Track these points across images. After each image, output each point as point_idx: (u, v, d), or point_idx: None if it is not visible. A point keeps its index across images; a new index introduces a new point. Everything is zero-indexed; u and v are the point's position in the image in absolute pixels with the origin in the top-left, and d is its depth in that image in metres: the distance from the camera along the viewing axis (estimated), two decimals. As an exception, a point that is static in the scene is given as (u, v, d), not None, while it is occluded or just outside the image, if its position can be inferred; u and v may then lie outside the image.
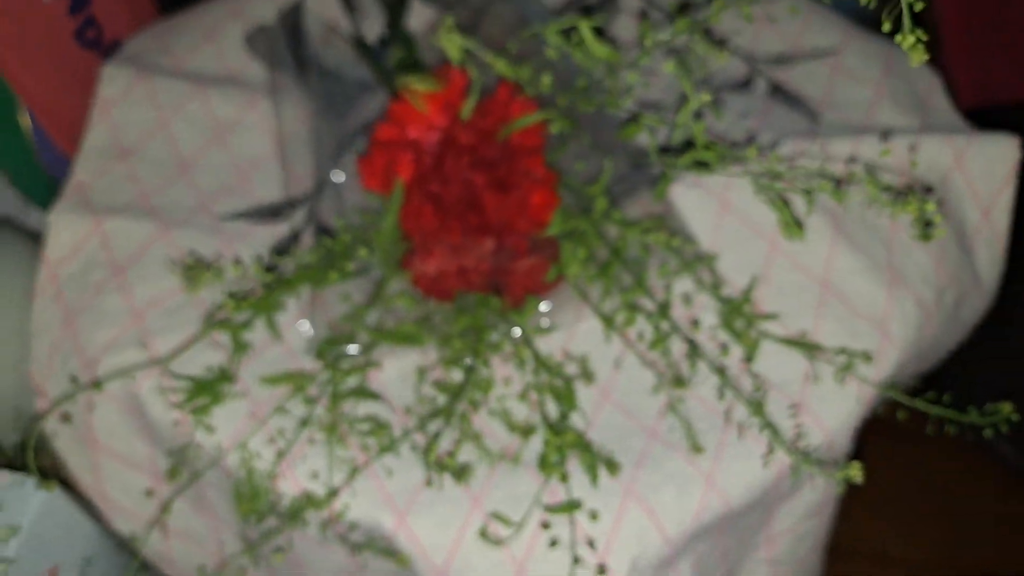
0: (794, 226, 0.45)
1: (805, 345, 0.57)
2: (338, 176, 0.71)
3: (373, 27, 0.87)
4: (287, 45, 0.81)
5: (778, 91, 0.76)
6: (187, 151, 0.75)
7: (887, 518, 0.86)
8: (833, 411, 0.57)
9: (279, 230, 0.70)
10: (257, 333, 0.62)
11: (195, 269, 0.49)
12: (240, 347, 0.58)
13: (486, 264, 0.61)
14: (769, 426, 0.48)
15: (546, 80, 0.55)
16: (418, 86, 0.57)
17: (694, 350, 0.49)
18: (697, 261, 0.57)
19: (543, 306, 0.61)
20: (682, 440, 0.55)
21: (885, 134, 0.67)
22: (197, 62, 0.82)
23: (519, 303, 0.62)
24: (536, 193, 0.59)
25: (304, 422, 0.53)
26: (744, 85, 0.77)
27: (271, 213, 0.73)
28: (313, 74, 0.79)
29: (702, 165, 0.48)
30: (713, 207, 0.65)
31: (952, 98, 0.79)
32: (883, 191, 0.40)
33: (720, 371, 0.49)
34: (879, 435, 0.58)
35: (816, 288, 0.62)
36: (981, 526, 0.85)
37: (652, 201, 0.57)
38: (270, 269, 0.65)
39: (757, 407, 0.46)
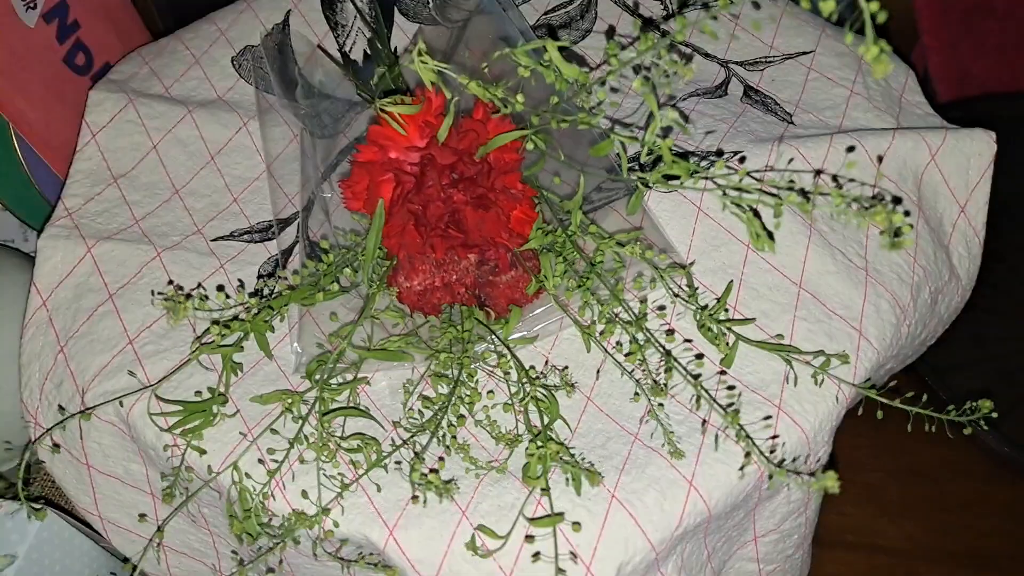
0: (764, 237, 0.45)
1: (782, 348, 0.57)
2: (327, 194, 0.71)
3: (358, 45, 0.87)
4: (273, 65, 0.81)
5: (752, 94, 0.76)
6: (177, 174, 0.75)
7: (873, 506, 0.86)
8: (811, 412, 0.57)
9: (271, 250, 0.70)
10: (248, 354, 0.62)
11: (175, 299, 0.49)
12: (231, 368, 0.58)
13: (469, 278, 0.62)
14: (746, 437, 0.48)
15: (519, 99, 0.55)
16: (396, 109, 0.57)
17: (669, 360, 0.50)
18: (671, 270, 0.57)
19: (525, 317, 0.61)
20: (663, 445, 0.55)
21: (857, 136, 0.67)
22: (185, 85, 0.82)
23: (502, 315, 0.62)
24: (515, 209, 0.59)
25: (294, 441, 0.54)
26: (718, 89, 0.77)
27: (261, 233, 0.73)
28: (299, 93, 0.79)
29: (672, 179, 0.48)
30: (689, 212, 0.65)
31: (929, 92, 0.79)
32: (850, 203, 0.40)
33: (695, 382, 0.49)
34: (862, 424, 0.58)
35: (792, 289, 0.62)
36: (966, 512, 0.86)
37: (628, 213, 0.57)
38: (258, 292, 0.66)
39: (734, 416, 0.46)
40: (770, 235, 0.50)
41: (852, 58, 0.77)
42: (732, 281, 0.61)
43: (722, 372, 0.58)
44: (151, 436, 0.58)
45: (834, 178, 0.61)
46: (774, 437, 0.55)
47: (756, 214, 0.48)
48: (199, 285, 0.67)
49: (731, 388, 0.56)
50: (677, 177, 0.48)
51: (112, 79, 0.81)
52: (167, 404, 0.57)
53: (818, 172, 0.62)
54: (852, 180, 0.61)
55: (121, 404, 0.58)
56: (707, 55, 0.79)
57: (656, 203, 0.66)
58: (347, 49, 0.88)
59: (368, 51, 0.86)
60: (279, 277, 0.65)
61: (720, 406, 0.52)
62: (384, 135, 0.59)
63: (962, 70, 1.15)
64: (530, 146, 0.57)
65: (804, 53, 0.78)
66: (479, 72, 0.54)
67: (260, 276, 0.67)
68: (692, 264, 0.62)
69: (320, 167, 0.73)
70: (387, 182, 0.59)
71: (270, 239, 0.72)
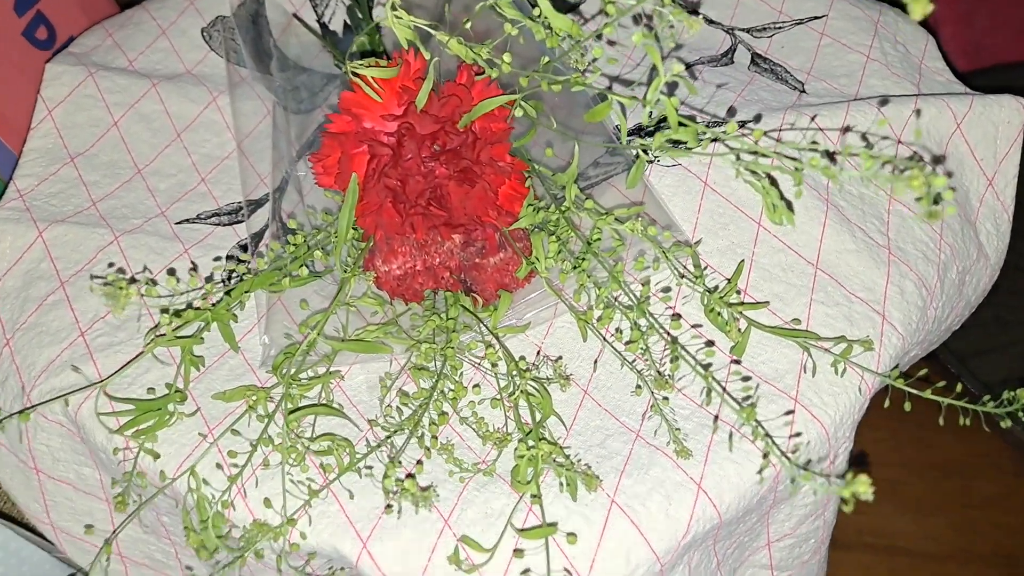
0: (783, 209, 0.39)
1: (798, 334, 0.50)
2: (301, 172, 0.65)
3: (338, 15, 0.80)
4: (246, 36, 0.75)
5: (760, 61, 0.69)
6: (140, 152, 0.69)
7: (893, 504, 0.80)
8: (832, 405, 0.51)
9: (242, 233, 0.64)
10: (211, 347, 0.56)
11: (115, 284, 0.42)
12: (191, 362, 0.52)
13: (454, 261, 0.55)
14: (763, 434, 0.42)
15: (506, 59, 0.49)
16: (370, 72, 0.50)
17: (675, 349, 0.43)
18: (676, 249, 0.50)
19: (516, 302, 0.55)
20: (669, 443, 0.49)
21: (883, 101, 0.61)
22: (150, 58, 0.75)
23: (491, 301, 0.56)
24: (503, 183, 0.53)
25: (257, 442, 0.48)
26: (723, 57, 0.70)
27: (230, 215, 0.66)
28: (273, 66, 0.72)
29: (678, 145, 0.42)
30: (694, 187, 0.59)
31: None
32: (883, 166, 0.34)
33: (706, 373, 0.42)
34: (880, 415, 0.52)
35: (808, 270, 0.55)
36: (994, 509, 0.79)
37: (627, 187, 0.51)
38: (221, 277, 0.59)
39: (749, 412, 0.40)
40: (789, 206, 0.44)
41: (867, 22, 0.71)
42: (743, 261, 0.55)
43: (734, 362, 0.51)
44: (101, 438, 0.52)
45: (863, 137, 0.55)
46: (797, 435, 0.49)
47: (773, 183, 0.42)
48: (160, 271, 0.61)
49: (746, 379, 0.50)
50: (683, 143, 0.41)
51: (72, 52, 0.75)
52: (118, 403, 0.51)
53: (846, 129, 0.55)
54: (885, 138, 0.55)
55: (67, 403, 0.52)
56: (711, 21, 0.72)
57: (658, 179, 0.60)
58: (326, 19, 0.81)
59: (348, 21, 0.80)
60: (239, 260, 0.59)
61: (734, 400, 0.46)
62: (357, 102, 0.52)
63: (975, 43, 1.08)
64: (519, 113, 0.51)
65: (816, 18, 0.72)
66: (462, 30, 0.48)
67: (218, 259, 0.60)
68: (699, 243, 0.56)
69: (295, 144, 0.67)
70: (361, 155, 0.53)
71: (240, 222, 0.65)
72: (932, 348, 0.65)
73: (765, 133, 0.56)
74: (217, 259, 0.61)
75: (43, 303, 0.58)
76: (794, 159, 0.38)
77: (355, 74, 0.51)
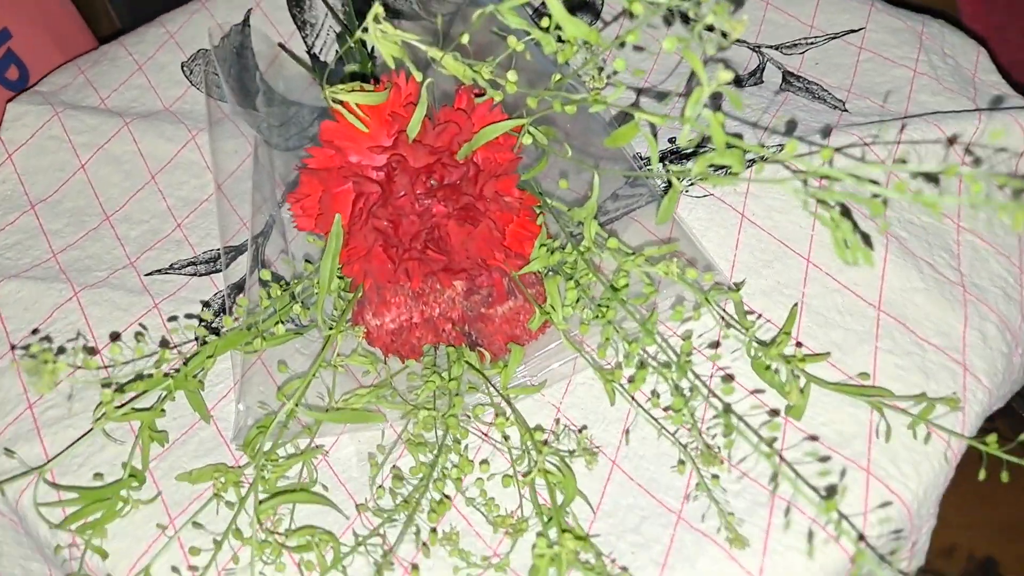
0: (859, 246, 0.31)
1: (870, 391, 0.42)
2: (287, 215, 0.57)
3: (328, 46, 0.74)
4: (229, 70, 0.68)
5: (793, 80, 0.62)
6: (109, 197, 0.62)
7: (962, 570, 0.69)
8: (912, 476, 0.42)
9: (220, 284, 0.56)
10: (178, 416, 0.48)
11: (40, 359, 0.35)
12: (149, 438, 0.44)
13: (456, 311, 0.48)
14: (835, 516, 0.33)
15: (511, 78, 0.41)
16: (354, 98, 0.43)
17: (729, 421, 0.35)
18: (717, 292, 0.42)
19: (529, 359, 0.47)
20: (719, 530, 0.40)
21: (934, 120, 0.53)
22: (125, 96, 0.69)
23: (500, 356, 0.48)
24: (511, 221, 0.45)
25: (223, 536, 0.39)
26: (751, 77, 0.63)
27: (208, 264, 0.59)
28: (259, 101, 0.65)
29: (720, 171, 0.34)
30: (729, 221, 0.51)
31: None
32: (1001, 188, 0.26)
33: (770, 451, 0.34)
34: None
35: (870, 313, 0.47)
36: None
37: (656, 223, 0.43)
38: (207, 331, 0.52)
39: (830, 506, 0.31)
40: (866, 240, 0.36)
41: (911, 34, 0.63)
42: (795, 305, 0.47)
43: (790, 423, 0.43)
44: (45, 532, 0.43)
45: (967, 151, 0.47)
46: (880, 510, 0.41)
47: (845, 214, 0.34)
48: (127, 329, 0.53)
49: (825, 460, 0.42)
50: (728, 170, 0.34)
51: (39, 91, 0.68)
52: (63, 490, 0.43)
53: (951, 140, 0.47)
54: (1003, 150, 0.46)
55: (2, 492, 0.44)
56: (736, 40, 0.65)
57: (687, 211, 0.52)
58: (316, 50, 0.74)
59: (339, 50, 0.73)
60: (202, 321, 0.51)
61: (811, 487, 0.37)
62: (341, 133, 0.45)
63: (1009, 57, 1.01)
64: (527, 140, 0.44)
65: (852, 31, 0.65)
66: (458, 45, 0.41)
67: (190, 317, 0.53)
68: (741, 285, 0.48)
69: (280, 185, 0.60)
70: (345, 193, 0.45)
71: (219, 271, 0.58)
72: (1007, 399, 0.56)
73: (838, 150, 0.48)
74: (189, 316, 0.54)
75: (-12, 370, 0.50)
76: (874, 183, 0.30)
77: (337, 101, 0.44)
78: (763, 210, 0.51)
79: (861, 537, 0.37)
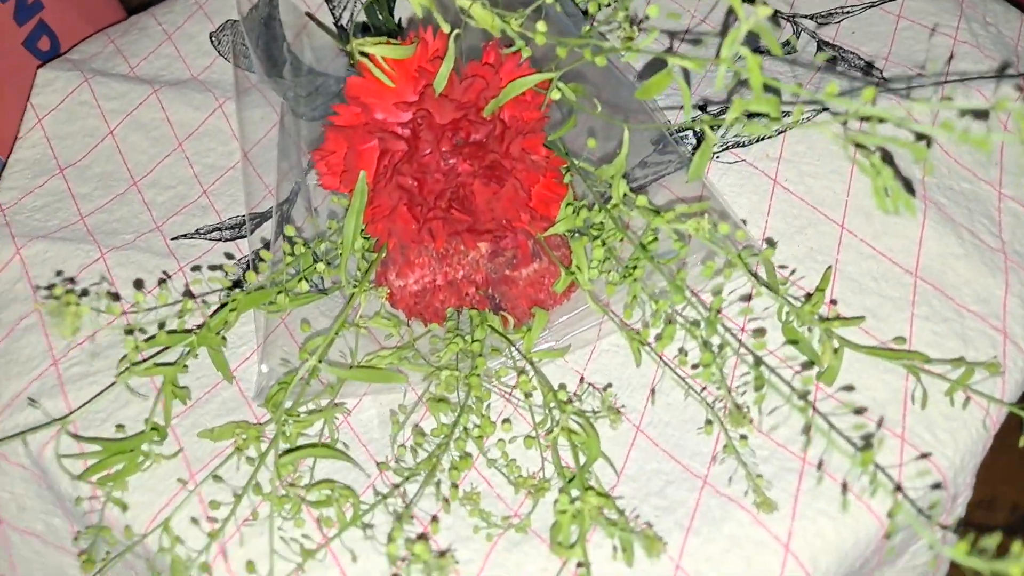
0: (900, 195, 0.30)
1: (906, 355, 0.40)
2: (312, 183, 0.57)
3: (356, 17, 0.73)
4: (257, 40, 0.68)
5: (829, 51, 0.60)
6: (137, 163, 0.62)
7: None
8: (950, 443, 0.40)
9: (245, 249, 0.56)
10: (201, 375, 0.48)
11: (63, 300, 0.34)
12: (172, 395, 0.44)
13: (480, 274, 0.47)
14: (888, 486, 0.31)
15: (540, 28, 0.40)
16: (380, 51, 0.42)
17: (759, 373, 0.34)
18: (748, 254, 0.41)
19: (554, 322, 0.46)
20: (747, 493, 0.39)
21: (977, 86, 0.51)
22: (154, 64, 0.69)
23: (524, 320, 0.47)
24: (537, 182, 0.45)
25: (243, 491, 0.39)
26: (785, 46, 0.61)
27: (233, 230, 0.59)
28: (287, 71, 0.65)
29: (756, 119, 0.33)
30: (761, 186, 0.50)
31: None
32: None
33: (803, 405, 0.33)
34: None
35: (906, 280, 0.46)
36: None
37: (687, 181, 0.42)
38: (231, 285, 0.51)
39: (867, 457, 0.30)
40: (909, 188, 0.35)
41: (951, 1, 0.61)
42: (830, 267, 0.46)
43: (822, 390, 0.42)
44: (66, 485, 0.43)
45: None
46: (920, 477, 0.39)
47: (887, 159, 0.33)
48: (152, 291, 0.53)
49: (859, 411, 0.40)
50: (766, 117, 0.32)
51: (69, 58, 0.69)
52: (85, 443, 0.43)
53: (1003, 69, 0.45)
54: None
55: (25, 443, 0.44)
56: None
57: (718, 177, 0.51)
58: (343, 21, 0.74)
59: (367, 21, 0.73)
60: (226, 273, 0.51)
61: (846, 439, 0.36)
62: (366, 89, 0.44)
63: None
64: (555, 96, 0.43)
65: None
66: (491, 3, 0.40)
67: (195, 269, 0.52)
68: (773, 247, 0.47)
69: (307, 152, 0.59)
70: (371, 150, 0.44)
71: (243, 236, 0.58)
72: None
73: (884, 81, 0.46)
74: (213, 267, 0.54)
75: (14, 328, 0.50)
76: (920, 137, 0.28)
77: (364, 55, 0.43)
78: (796, 175, 0.50)
79: (898, 488, 0.36)
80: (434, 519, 0.39)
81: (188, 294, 0.52)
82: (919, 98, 0.48)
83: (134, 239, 0.57)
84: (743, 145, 0.52)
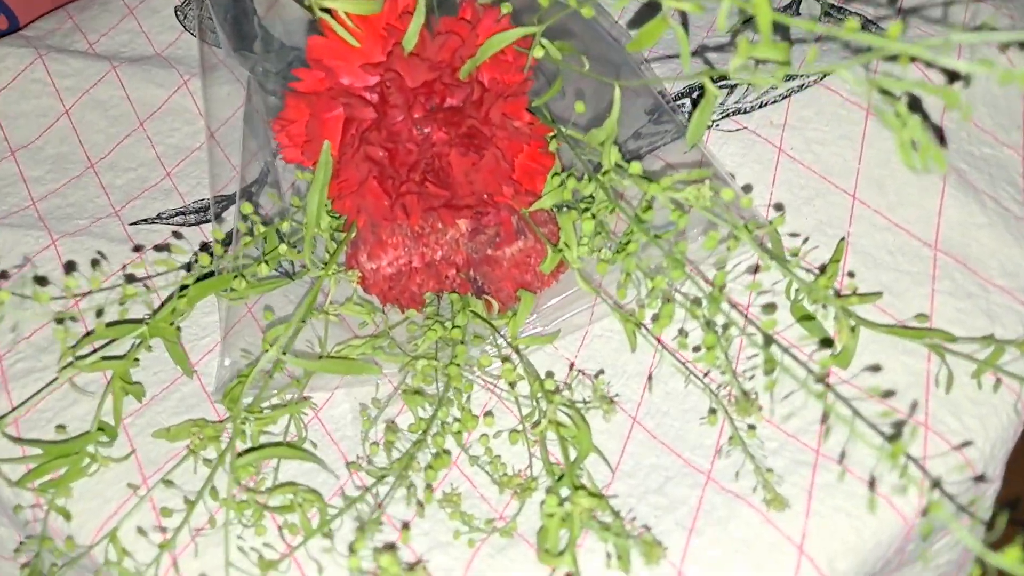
0: (930, 146, 0.26)
1: (928, 334, 0.37)
2: (282, 164, 0.53)
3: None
4: (226, 12, 0.63)
5: (834, 12, 0.56)
6: (95, 144, 0.58)
7: None
8: (978, 430, 0.36)
9: (209, 235, 0.52)
10: (158, 369, 0.44)
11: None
12: (121, 392, 0.40)
13: (460, 254, 0.43)
14: (924, 481, 0.27)
15: (518, -22, 0.36)
16: (343, 5, 0.38)
17: (770, 354, 0.29)
18: (753, 226, 0.37)
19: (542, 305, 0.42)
20: (755, 489, 0.35)
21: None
22: (115, 40, 0.64)
23: (509, 304, 0.43)
24: (520, 151, 0.40)
25: (197, 496, 0.35)
26: (786, 10, 0.57)
27: (198, 214, 0.55)
28: (257, 46, 0.61)
29: (761, 65, 0.29)
30: (765, 155, 0.46)
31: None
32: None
33: (821, 391, 0.28)
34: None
35: (925, 253, 0.42)
36: None
37: (684, 153, 0.38)
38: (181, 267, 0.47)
39: (897, 449, 0.26)
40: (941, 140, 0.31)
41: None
42: (843, 239, 0.42)
43: (836, 374, 0.38)
44: (7, 491, 0.39)
45: None
46: (927, 468, 0.35)
47: (915, 107, 0.28)
48: (107, 281, 0.49)
49: (887, 394, 0.36)
50: (774, 65, 0.28)
51: (24, 34, 0.64)
52: (27, 446, 0.39)
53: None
54: None
55: (-42, 446, 0.40)
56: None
57: (718, 147, 0.47)
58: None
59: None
60: (171, 252, 0.47)
61: (872, 426, 0.32)
62: (330, 50, 0.40)
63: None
64: (538, 54, 0.38)
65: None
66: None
67: (136, 249, 0.48)
68: (781, 214, 0.43)
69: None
70: (335, 118, 0.40)
71: (209, 221, 0.54)
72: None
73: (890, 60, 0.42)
74: (159, 248, 0.49)
75: (-45, 321, 0.46)
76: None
77: (326, 11, 0.39)
78: (803, 143, 0.46)
79: (936, 484, 0.32)
80: (405, 526, 0.35)
81: (130, 278, 0.47)
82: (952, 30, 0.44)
83: (89, 225, 0.53)
84: (744, 111, 0.48)
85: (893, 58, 0.27)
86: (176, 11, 0.66)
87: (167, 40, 0.65)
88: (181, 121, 0.60)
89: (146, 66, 0.62)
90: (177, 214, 0.55)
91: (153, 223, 0.53)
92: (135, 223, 0.53)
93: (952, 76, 0.43)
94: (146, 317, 0.41)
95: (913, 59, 0.38)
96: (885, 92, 0.27)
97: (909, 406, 0.37)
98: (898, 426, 0.35)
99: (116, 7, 0.66)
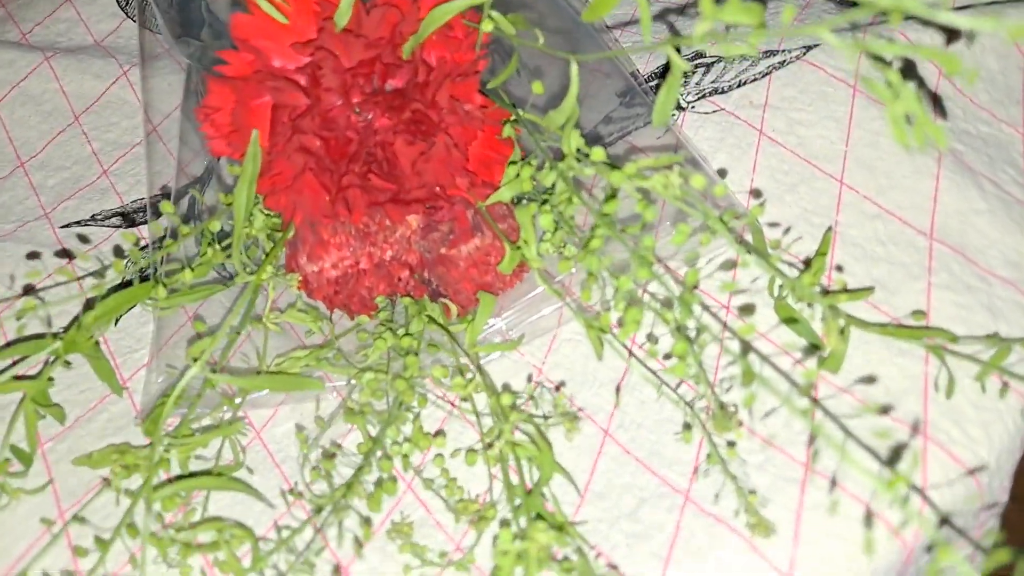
0: (927, 121, 0.22)
1: (925, 334, 0.33)
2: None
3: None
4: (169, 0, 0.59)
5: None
6: (25, 141, 0.53)
7: None
8: (983, 440, 0.33)
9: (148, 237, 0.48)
10: (87, 387, 0.40)
11: None
12: (34, 416, 0.35)
13: (412, 254, 0.39)
14: (904, 494, 0.24)
15: (462, -57, 0.32)
16: (266, -19, 0.34)
17: (748, 366, 0.25)
18: (730, 216, 0.33)
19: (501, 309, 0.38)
20: (738, 513, 0.31)
21: (997, 10, 0.43)
22: (51, 29, 0.60)
23: (469, 307, 0.39)
24: (474, 138, 0.36)
25: (114, 534, 0.31)
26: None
27: (135, 215, 0.50)
28: (205, 33, 0.56)
29: (732, 37, 0.25)
30: (745, 139, 0.42)
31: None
32: None
33: (806, 409, 0.24)
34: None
35: (920, 243, 0.38)
36: None
37: (653, 124, 0.34)
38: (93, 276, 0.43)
39: (896, 481, 0.22)
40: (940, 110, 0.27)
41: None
42: (830, 229, 0.38)
43: (826, 379, 0.34)
44: (-95, 530, 0.35)
45: None
46: (923, 483, 0.32)
47: (910, 74, 0.25)
48: (34, 292, 0.44)
49: (884, 411, 0.32)
50: (747, 32, 0.24)
51: (-50, 26, 0.60)
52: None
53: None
54: None
55: None
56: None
57: (693, 130, 0.43)
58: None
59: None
60: (71, 258, 0.42)
61: (867, 448, 0.28)
62: (255, 28, 0.36)
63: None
64: (488, 27, 0.34)
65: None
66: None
67: (32, 256, 0.44)
68: (761, 205, 0.39)
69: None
70: (264, 105, 0.36)
71: (146, 222, 0.49)
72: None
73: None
74: (60, 254, 0.45)
75: None
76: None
77: (249, -14, 0.35)
78: (785, 124, 0.42)
79: (944, 521, 0.28)
80: (336, 570, 0.31)
81: (28, 288, 0.43)
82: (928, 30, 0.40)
83: (14, 229, 0.48)
84: (722, 91, 0.44)
85: (881, 19, 0.23)
86: (116, -4, 0.62)
87: (107, 28, 0.60)
88: (120, 115, 0.55)
89: (83, 56, 0.57)
90: (114, 215, 0.50)
91: (87, 225, 0.49)
92: (66, 226, 0.49)
93: (949, 37, 0.39)
94: (61, 331, 0.37)
95: (908, 18, 0.34)
96: (875, 58, 0.23)
97: (907, 417, 0.33)
98: (897, 449, 0.31)
99: (51, -5, 0.62)
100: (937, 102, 0.40)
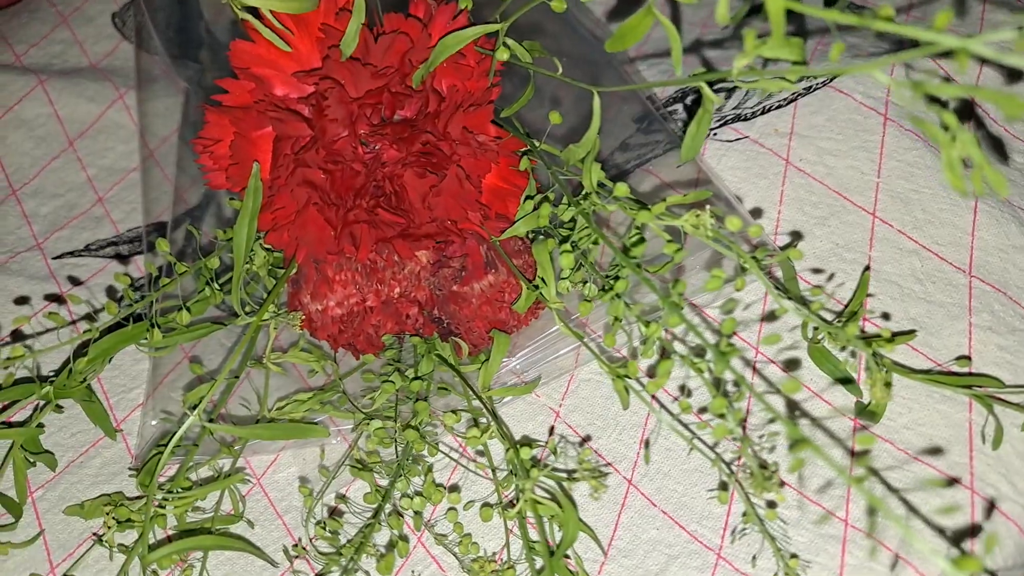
0: (986, 164, 0.20)
1: (970, 381, 0.31)
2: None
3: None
4: (169, 17, 0.57)
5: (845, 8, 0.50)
6: (17, 168, 0.51)
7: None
8: (1035, 496, 0.31)
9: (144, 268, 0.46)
10: (80, 430, 0.38)
11: None
12: (23, 463, 0.33)
13: (422, 291, 0.36)
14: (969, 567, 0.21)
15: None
16: (269, 3, 0.32)
17: (795, 428, 0.23)
18: (763, 255, 0.30)
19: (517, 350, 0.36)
20: (775, 572, 0.29)
21: None
22: (46, 51, 0.58)
23: (481, 346, 0.37)
24: (488, 170, 0.34)
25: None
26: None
27: (131, 244, 0.48)
28: (204, 55, 0.54)
29: (770, 64, 0.23)
30: (771, 168, 0.40)
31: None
32: None
33: (858, 477, 0.22)
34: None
35: (959, 280, 0.36)
36: None
37: (680, 161, 0.32)
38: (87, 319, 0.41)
39: (967, 563, 0.20)
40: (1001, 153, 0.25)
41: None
42: (867, 269, 0.36)
43: (862, 427, 0.32)
44: None
45: None
46: (971, 540, 0.29)
47: (968, 115, 0.22)
48: (26, 326, 0.42)
49: (931, 453, 0.30)
50: (786, 63, 0.22)
51: (-58, 48, 0.58)
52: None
53: None
54: None
55: None
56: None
57: (716, 159, 0.41)
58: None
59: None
60: (62, 302, 0.40)
61: (920, 517, 0.26)
62: (257, 56, 0.34)
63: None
64: (503, 56, 0.32)
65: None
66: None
67: (20, 301, 0.42)
68: (796, 244, 0.37)
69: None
70: (265, 136, 0.34)
71: (143, 252, 0.47)
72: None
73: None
74: (49, 298, 0.43)
75: None
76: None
77: (251, 13, 0.33)
78: (814, 154, 0.40)
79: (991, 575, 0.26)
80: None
81: (17, 335, 0.41)
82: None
83: (6, 260, 0.46)
84: (745, 118, 0.42)
85: (937, 54, 0.21)
86: (114, 18, 0.60)
87: (103, 50, 0.58)
88: (116, 140, 0.53)
89: (77, 79, 0.55)
90: (108, 244, 0.48)
91: (80, 256, 0.47)
92: (59, 256, 0.47)
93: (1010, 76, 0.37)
94: (52, 375, 0.35)
95: (977, 58, 0.32)
96: (932, 99, 0.21)
97: (949, 464, 0.31)
98: (946, 507, 0.29)
99: (47, 15, 0.60)
100: (999, 146, 0.38)
